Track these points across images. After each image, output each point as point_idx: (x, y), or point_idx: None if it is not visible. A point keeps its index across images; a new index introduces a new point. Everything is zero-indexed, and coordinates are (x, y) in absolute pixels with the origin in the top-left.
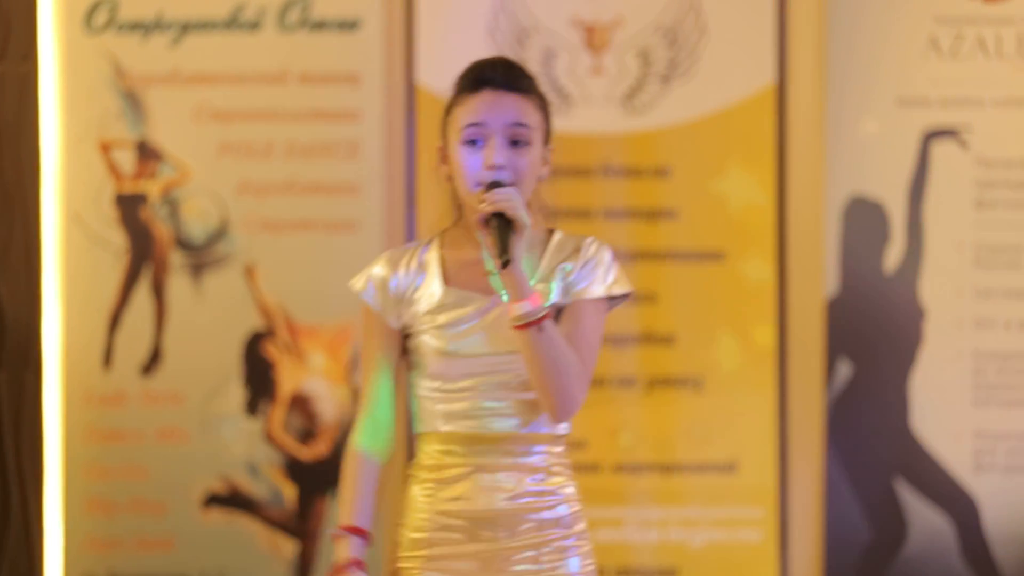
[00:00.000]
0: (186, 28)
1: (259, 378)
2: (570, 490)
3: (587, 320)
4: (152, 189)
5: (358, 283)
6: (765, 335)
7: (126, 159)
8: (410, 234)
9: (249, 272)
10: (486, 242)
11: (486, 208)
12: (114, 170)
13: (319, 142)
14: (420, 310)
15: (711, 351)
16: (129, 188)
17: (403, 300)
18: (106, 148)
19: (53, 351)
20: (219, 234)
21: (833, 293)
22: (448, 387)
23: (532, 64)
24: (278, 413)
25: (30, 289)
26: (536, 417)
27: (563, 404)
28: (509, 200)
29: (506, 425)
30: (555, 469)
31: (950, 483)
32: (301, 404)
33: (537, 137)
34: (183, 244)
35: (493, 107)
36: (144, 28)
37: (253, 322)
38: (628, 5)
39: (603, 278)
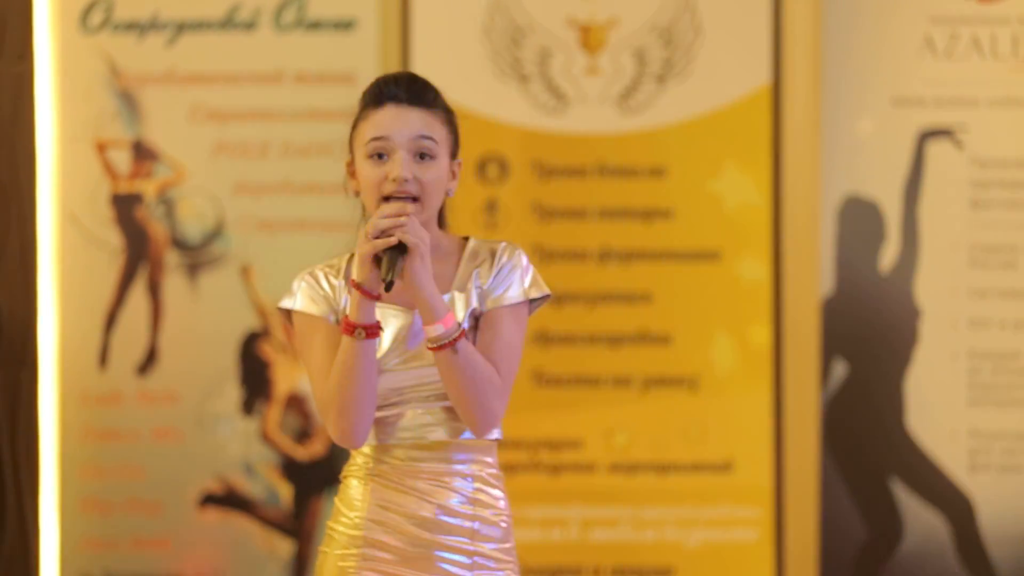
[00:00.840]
0: (182, 28)
1: (255, 378)
2: (503, 503)
3: (506, 327)
4: (148, 189)
5: (287, 302)
6: (761, 335)
7: (122, 159)
8: None
9: (245, 272)
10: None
11: (368, 245)
12: (110, 170)
13: (315, 142)
14: None
15: (707, 351)
16: (125, 188)
17: (335, 312)
18: (102, 148)
19: (49, 351)
20: (215, 234)
21: (829, 293)
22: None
23: (528, 64)
24: (274, 413)
25: (26, 289)
26: (461, 425)
27: (482, 418)
28: (395, 223)
29: (436, 435)
30: (486, 477)
31: (945, 482)
32: (297, 404)
33: (443, 151)
34: (179, 244)
35: (397, 121)
36: (140, 28)
37: (249, 322)
38: (623, 5)
39: (520, 282)
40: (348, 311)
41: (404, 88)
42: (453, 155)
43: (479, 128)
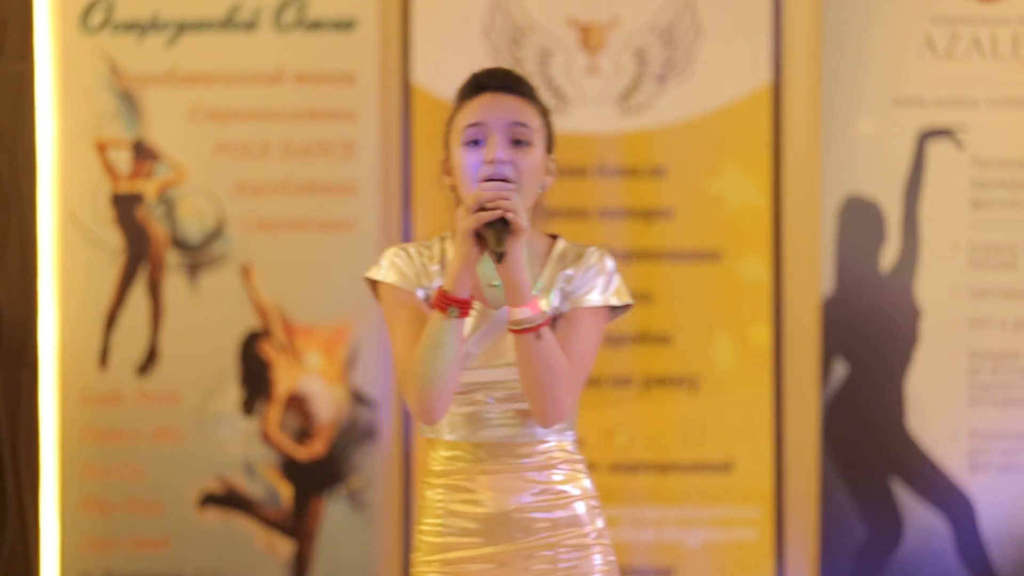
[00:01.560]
0: (182, 28)
1: (255, 378)
2: (583, 486)
3: (583, 328)
4: (148, 189)
5: (376, 273)
6: (761, 335)
7: (122, 159)
8: (406, 234)
9: (245, 272)
10: (477, 242)
11: (475, 218)
12: (110, 170)
13: (315, 142)
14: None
15: (707, 351)
16: (125, 188)
17: (423, 288)
18: (102, 148)
19: (49, 351)
20: (215, 234)
21: (829, 293)
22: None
23: (528, 64)
24: (274, 413)
25: (26, 289)
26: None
27: (551, 410)
28: (499, 195)
29: (511, 430)
30: (564, 467)
31: (946, 482)
32: (297, 404)
33: (539, 140)
34: (179, 244)
35: (493, 107)
36: (140, 28)
37: (249, 322)
38: (624, 5)
39: (604, 287)
40: (443, 285)
41: (500, 78)
42: (548, 150)
43: None
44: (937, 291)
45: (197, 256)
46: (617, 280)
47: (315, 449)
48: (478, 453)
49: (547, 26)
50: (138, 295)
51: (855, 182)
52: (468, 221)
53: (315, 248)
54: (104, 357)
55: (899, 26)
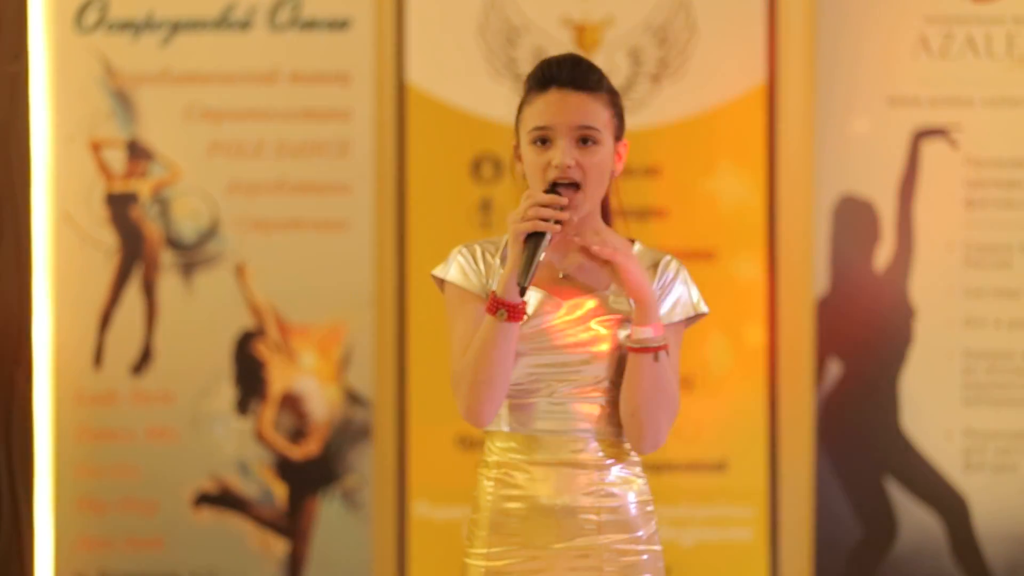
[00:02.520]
0: (176, 27)
1: (250, 377)
2: (637, 488)
3: (671, 347)
4: (143, 188)
5: (441, 271)
6: (755, 334)
7: (116, 158)
8: (400, 234)
9: (240, 271)
10: (516, 258)
11: (523, 226)
12: (104, 169)
13: (309, 141)
14: None
15: (701, 350)
16: (119, 187)
17: (485, 289)
18: (96, 147)
19: (44, 350)
20: (209, 233)
21: (823, 292)
22: (512, 386)
23: (522, 63)
24: (269, 412)
25: (21, 288)
26: (595, 416)
27: (651, 436)
28: (545, 212)
29: (567, 424)
30: (619, 468)
31: (940, 482)
32: (292, 403)
33: (607, 135)
34: (173, 243)
35: (561, 109)
36: (134, 27)
37: (244, 321)
38: (618, 4)
39: (685, 300)
40: (496, 288)
41: (568, 71)
42: (618, 137)
43: (474, 127)
44: (931, 290)
45: (191, 256)
46: (695, 289)
47: (309, 448)
48: (532, 446)
49: (542, 25)
50: (132, 295)
51: (849, 181)
52: (518, 226)
53: (309, 248)
54: (98, 356)
55: (893, 25)
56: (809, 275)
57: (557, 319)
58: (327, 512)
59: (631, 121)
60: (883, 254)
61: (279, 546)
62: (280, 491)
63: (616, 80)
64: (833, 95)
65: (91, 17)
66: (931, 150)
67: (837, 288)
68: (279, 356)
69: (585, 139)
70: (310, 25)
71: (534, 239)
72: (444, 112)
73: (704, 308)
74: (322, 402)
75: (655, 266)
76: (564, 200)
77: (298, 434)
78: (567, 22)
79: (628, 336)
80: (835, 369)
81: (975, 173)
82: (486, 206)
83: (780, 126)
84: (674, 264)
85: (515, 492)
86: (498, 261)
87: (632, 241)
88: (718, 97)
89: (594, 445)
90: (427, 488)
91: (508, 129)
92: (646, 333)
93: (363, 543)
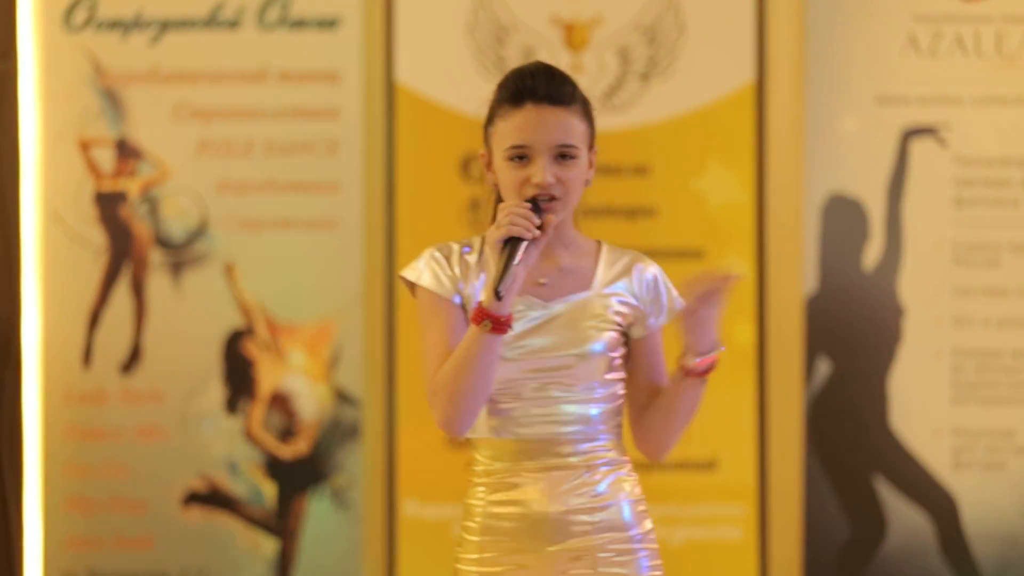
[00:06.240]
0: (165, 26)
1: (239, 376)
2: (628, 488)
3: (661, 345)
4: (132, 187)
5: (411, 273)
6: (744, 333)
7: (105, 157)
8: (389, 233)
9: (229, 270)
10: (494, 264)
11: (498, 234)
12: (93, 168)
13: (299, 140)
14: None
15: None
16: (108, 186)
17: (461, 293)
18: (85, 146)
19: (32, 349)
20: (199, 232)
21: (812, 291)
22: (494, 391)
23: (512, 62)
24: (258, 411)
25: (9, 287)
26: (583, 419)
27: (667, 448)
28: (522, 222)
29: (554, 429)
30: (609, 468)
31: (929, 481)
32: (281, 402)
33: (583, 149)
34: (163, 242)
35: (539, 127)
36: (123, 26)
37: (233, 320)
38: (607, 3)
39: (667, 300)
40: (482, 299)
41: (543, 84)
42: (590, 146)
43: (463, 126)
44: (920, 289)
45: (180, 255)
46: (671, 286)
47: (299, 448)
48: (520, 453)
49: (530, 24)
50: (121, 294)
51: (838, 180)
52: (494, 234)
53: (299, 247)
54: (87, 355)
55: (883, 24)
56: (798, 274)
57: (542, 322)
58: (316, 511)
59: (620, 120)
60: (872, 253)
61: (268, 545)
62: (269, 490)
63: (605, 79)
64: (822, 94)
65: (80, 16)
66: (920, 149)
67: (826, 287)
68: (268, 355)
69: (563, 155)
70: (299, 24)
71: (511, 245)
72: (433, 111)
73: (679, 303)
74: (311, 401)
75: (629, 269)
76: (538, 220)
77: (287, 433)
78: (556, 21)
79: (687, 360)
80: (824, 368)
81: (964, 172)
82: (475, 205)
83: (769, 125)
84: (651, 269)
85: (505, 497)
86: (474, 259)
87: (599, 243)
88: (707, 96)
89: (583, 447)
90: (416, 487)
91: None
92: (709, 364)
93: (352, 542)
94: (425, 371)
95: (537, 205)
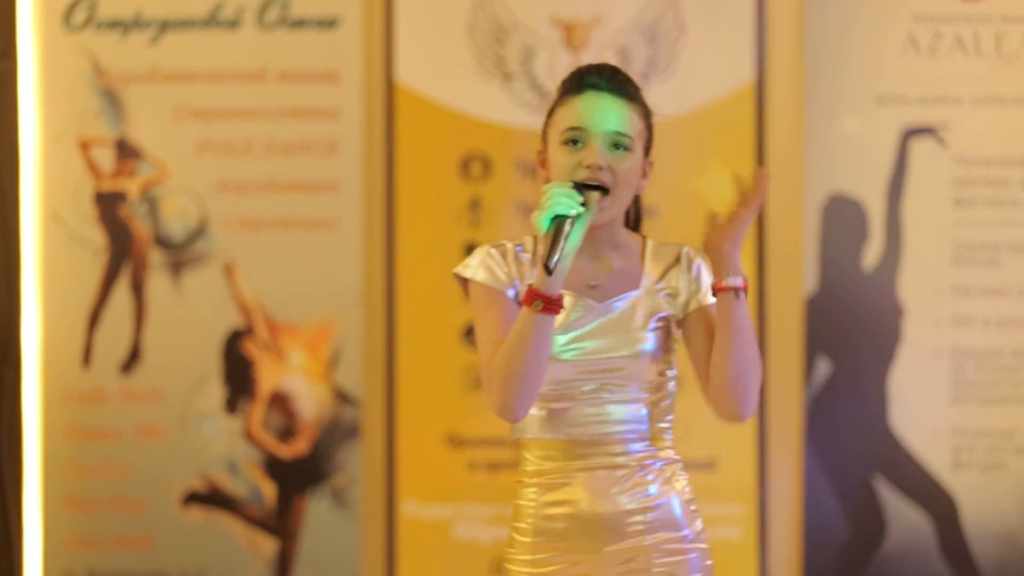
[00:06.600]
0: (165, 26)
1: (239, 376)
2: (680, 487)
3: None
4: (131, 187)
5: (465, 270)
6: None
7: (105, 157)
8: (389, 233)
9: (228, 270)
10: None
11: (540, 214)
12: (93, 168)
13: (298, 140)
14: None
15: None
16: (108, 186)
17: (514, 287)
18: (85, 146)
19: (32, 349)
20: (198, 232)
21: (812, 291)
22: (547, 391)
23: (511, 63)
24: (258, 411)
25: (9, 287)
26: (635, 418)
27: (750, 398)
28: (566, 199)
29: (606, 429)
30: (660, 467)
31: (929, 480)
32: (280, 402)
33: (638, 145)
34: (162, 242)
35: (596, 112)
36: (123, 26)
37: (232, 320)
38: (607, 3)
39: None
40: (534, 281)
41: (606, 77)
42: (646, 152)
43: (462, 126)
44: (920, 289)
45: (180, 254)
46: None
47: (298, 447)
48: (572, 452)
49: (530, 24)
50: (121, 293)
51: (838, 180)
52: (538, 215)
53: (298, 246)
54: (87, 355)
55: (882, 24)
56: (798, 274)
57: (596, 324)
58: (316, 511)
59: None
60: (872, 253)
61: (268, 545)
62: (269, 490)
63: None
64: (822, 94)
65: (80, 16)
66: (920, 149)
67: (826, 287)
68: (268, 355)
69: (617, 145)
70: (299, 24)
71: (556, 222)
72: (433, 111)
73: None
74: (311, 401)
75: (678, 259)
76: (580, 197)
77: (287, 433)
78: (556, 21)
79: (712, 285)
80: (824, 368)
81: (964, 172)
82: (475, 205)
83: (769, 125)
84: (694, 252)
85: (557, 498)
86: (528, 258)
87: (644, 239)
88: (707, 96)
89: (635, 447)
90: (416, 487)
91: (498, 128)
92: (736, 281)
93: (352, 542)
94: (481, 363)
95: (580, 186)
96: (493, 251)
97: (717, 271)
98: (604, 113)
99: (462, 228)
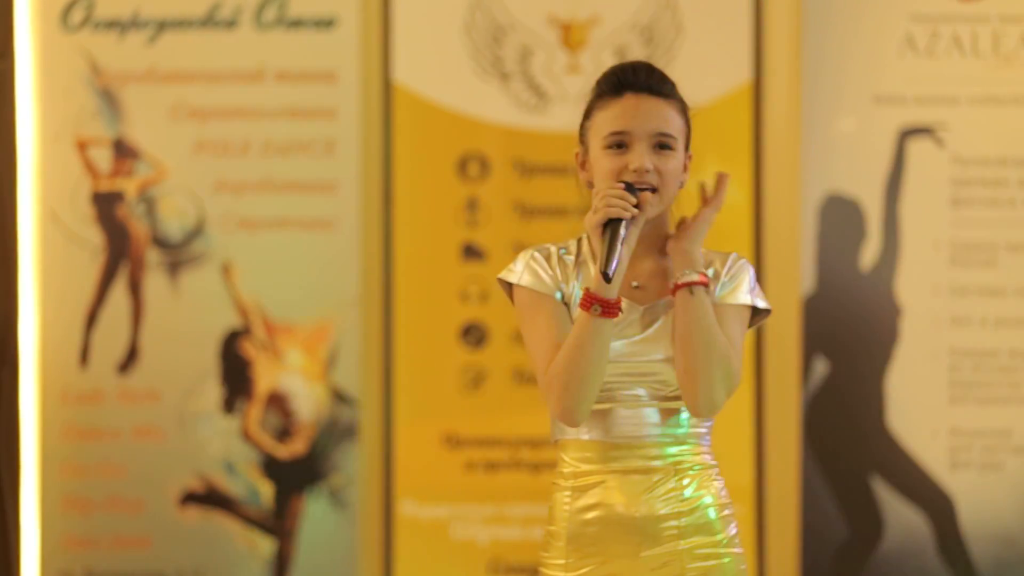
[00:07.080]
0: (163, 26)
1: (236, 376)
2: (715, 492)
3: (730, 323)
4: (129, 187)
5: (510, 276)
6: None
7: (103, 157)
8: (387, 233)
9: (226, 270)
10: (596, 247)
11: (597, 216)
12: (90, 168)
13: (296, 140)
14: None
15: None
16: (106, 186)
17: (562, 291)
18: (82, 146)
19: (30, 349)
20: (196, 232)
21: (809, 291)
22: None
23: (509, 63)
24: (255, 411)
25: (6, 287)
26: (672, 423)
27: (705, 394)
28: (620, 201)
29: (643, 432)
30: (696, 472)
31: (926, 481)
32: (278, 402)
33: (680, 143)
34: (160, 242)
35: (638, 114)
36: (120, 26)
37: (230, 320)
38: (604, 3)
39: (748, 289)
40: (591, 285)
41: (643, 77)
42: (686, 147)
43: (460, 126)
44: (918, 289)
45: (178, 254)
46: (758, 286)
47: (296, 447)
48: (608, 454)
49: (528, 24)
50: (118, 293)
51: (836, 180)
52: (592, 218)
53: (296, 246)
54: (84, 355)
55: (880, 24)
56: (795, 274)
57: (636, 326)
58: (313, 511)
59: None
60: (869, 253)
61: (265, 545)
62: (266, 490)
63: None
64: (819, 94)
65: (77, 16)
66: (917, 149)
67: (823, 287)
68: (265, 355)
69: (661, 145)
70: (296, 24)
71: (612, 227)
72: (430, 111)
73: (761, 304)
74: (308, 401)
75: (724, 259)
76: (633, 199)
77: (284, 433)
78: (553, 21)
79: (672, 282)
80: (821, 368)
81: (961, 172)
82: (472, 205)
83: (766, 125)
84: (742, 260)
85: (592, 501)
86: (572, 260)
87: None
88: (704, 96)
89: (671, 451)
90: (413, 487)
91: (495, 128)
92: (691, 276)
93: (349, 542)
94: (535, 368)
95: (631, 187)
96: (537, 254)
97: (677, 268)
98: (646, 115)
99: (459, 228)
